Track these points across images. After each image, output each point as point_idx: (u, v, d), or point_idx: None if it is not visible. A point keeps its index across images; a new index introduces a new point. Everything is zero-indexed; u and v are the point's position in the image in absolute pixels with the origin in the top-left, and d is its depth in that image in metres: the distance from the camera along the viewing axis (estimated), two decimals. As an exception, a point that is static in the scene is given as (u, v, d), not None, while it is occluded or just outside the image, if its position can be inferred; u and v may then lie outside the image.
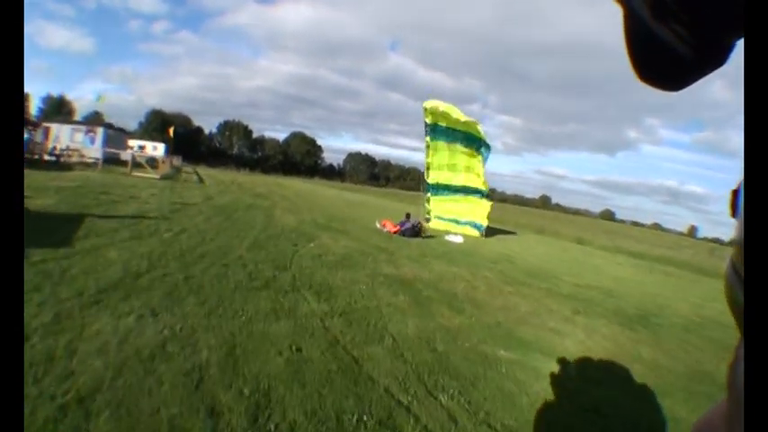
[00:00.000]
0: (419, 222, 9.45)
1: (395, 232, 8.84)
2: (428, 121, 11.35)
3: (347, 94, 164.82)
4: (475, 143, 11.33)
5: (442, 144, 11.63)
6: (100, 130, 23.07)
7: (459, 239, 9.87)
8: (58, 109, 49.05)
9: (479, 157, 11.41)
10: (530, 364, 2.95)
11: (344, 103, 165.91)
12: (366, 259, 5.62)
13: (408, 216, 9.60)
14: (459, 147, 11.54)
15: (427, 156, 11.81)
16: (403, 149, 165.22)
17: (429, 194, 12.34)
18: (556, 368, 2.96)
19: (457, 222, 11.96)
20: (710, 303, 7.99)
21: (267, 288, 3.59)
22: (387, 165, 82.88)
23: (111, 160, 17.81)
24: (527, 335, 3.61)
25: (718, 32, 0.37)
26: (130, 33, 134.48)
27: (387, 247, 6.99)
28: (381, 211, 15.13)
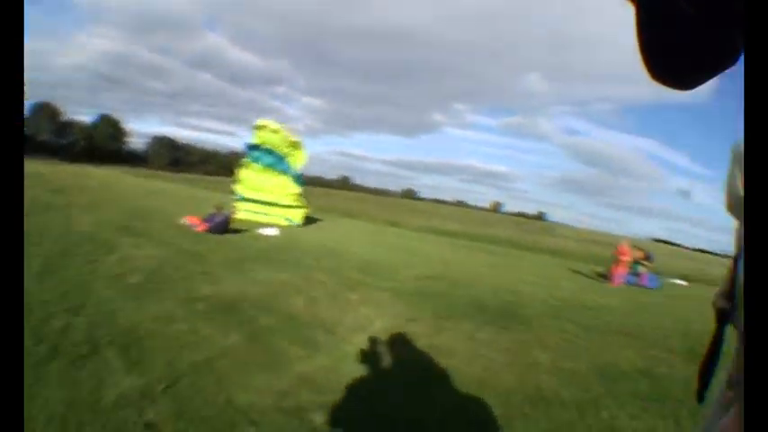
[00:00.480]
0: (228, 216, 8.69)
1: (204, 230, 8.00)
2: (255, 141, 11.85)
3: (158, 73, 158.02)
4: (290, 171, 12.14)
5: (257, 167, 12.01)
6: None
7: (273, 231, 9.43)
8: None
9: (292, 181, 12.15)
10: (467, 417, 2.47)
11: (154, 83, 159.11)
12: (177, 274, 4.73)
13: (218, 209, 8.73)
14: (275, 171, 12.08)
15: (240, 170, 12.06)
16: (207, 132, 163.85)
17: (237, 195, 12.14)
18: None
19: (270, 205, 11.81)
20: (547, 281, 8.59)
21: (55, 356, 2.38)
22: (189, 149, 79.16)
23: None
24: (418, 363, 3.13)
25: (730, 31, 0.37)
26: None
27: (198, 251, 6.18)
28: (186, 202, 14.24)
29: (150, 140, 75.98)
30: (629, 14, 0.41)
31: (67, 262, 4.54)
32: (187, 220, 8.51)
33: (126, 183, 22.37)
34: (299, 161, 12.34)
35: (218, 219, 8.34)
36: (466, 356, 3.43)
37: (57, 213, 7.80)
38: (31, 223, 5.98)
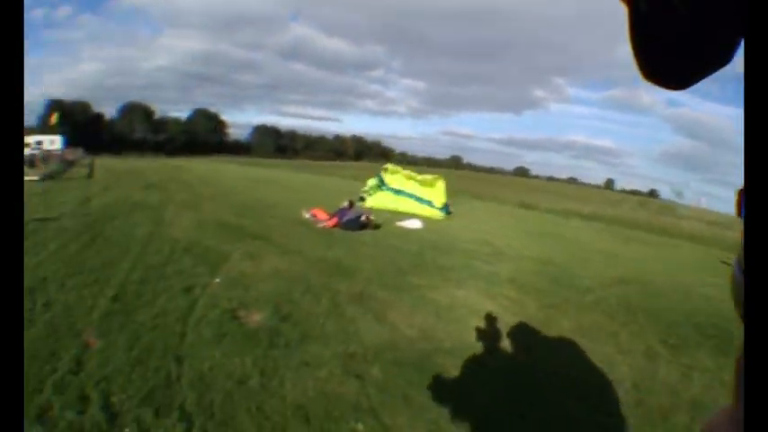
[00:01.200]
0: (367, 215, 7.33)
1: (333, 225, 6.86)
2: (384, 178, 11.11)
3: (249, 67, 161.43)
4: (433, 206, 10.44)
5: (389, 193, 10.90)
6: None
7: (416, 224, 8.07)
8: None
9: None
10: None
11: (247, 77, 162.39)
12: (318, 302, 3.31)
13: (351, 204, 7.71)
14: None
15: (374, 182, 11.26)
16: (308, 119, 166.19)
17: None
18: None
19: (413, 198, 10.22)
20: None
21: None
22: (293, 135, 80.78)
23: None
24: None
25: (723, 31, 0.37)
26: (33, 22, 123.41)
27: (338, 259, 4.85)
28: (301, 191, 13.13)
29: (252, 130, 77.02)
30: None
31: (152, 289, 3.23)
32: (312, 214, 7.52)
33: (230, 172, 20.47)
34: (437, 197, 10.48)
35: (353, 214, 7.18)
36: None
37: (147, 215, 6.71)
38: (107, 235, 5.08)
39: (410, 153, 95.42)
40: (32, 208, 6.36)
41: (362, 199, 10.64)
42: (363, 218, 7.12)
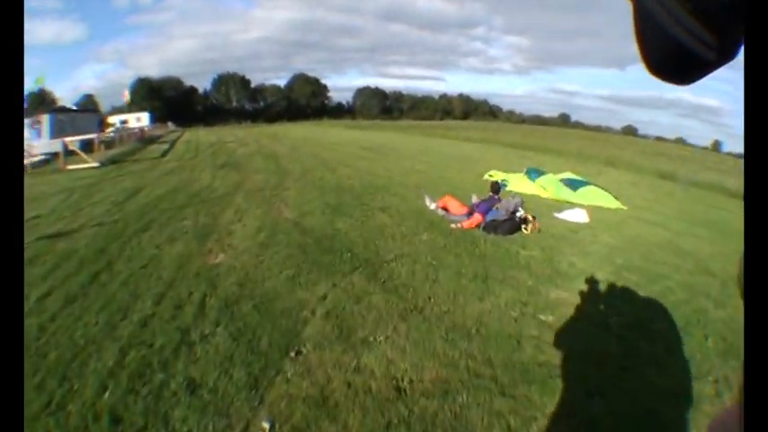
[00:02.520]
0: (519, 204, 5.11)
1: (475, 226, 4.84)
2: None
3: (348, 31, 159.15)
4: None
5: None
6: (45, 119, 17.13)
7: (580, 216, 5.84)
8: (40, 103, 38.72)
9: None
10: None
11: (347, 41, 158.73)
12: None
13: (497, 189, 5.55)
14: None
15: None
16: (412, 80, 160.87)
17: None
18: None
19: (570, 186, 7.44)
20: None
21: None
22: (398, 96, 78.49)
23: (72, 152, 11.17)
24: None
25: (727, 26, 0.37)
26: (118, 10, 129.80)
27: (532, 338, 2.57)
28: (416, 159, 10.69)
29: (354, 93, 75.08)
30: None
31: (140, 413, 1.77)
32: (442, 206, 5.47)
33: (331, 137, 17.50)
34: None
35: (502, 209, 4.99)
36: None
37: (195, 220, 4.92)
38: (135, 252, 3.80)
39: (518, 111, 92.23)
40: (57, 213, 5.20)
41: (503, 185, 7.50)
42: (520, 214, 4.94)
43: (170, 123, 29.85)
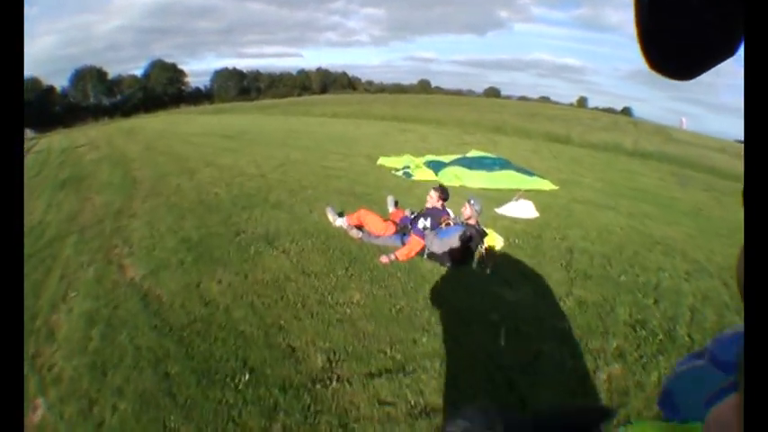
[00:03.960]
0: (475, 216, 3.76)
1: (414, 255, 3.47)
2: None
3: (206, 13, 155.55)
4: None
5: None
6: None
7: (527, 210, 4.86)
8: None
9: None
10: None
11: (204, 23, 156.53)
12: None
13: (445, 197, 3.93)
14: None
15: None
16: (270, 58, 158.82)
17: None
18: None
19: (486, 167, 6.53)
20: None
21: None
22: (256, 75, 76.31)
23: None
24: None
25: (729, 21, 0.37)
26: None
27: None
28: (289, 146, 9.13)
29: (212, 75, 72.08)
30: None
31: None
32: (355, 224, 3.92)
33: (188, 128, 15.10)
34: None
35: (450, 229, 3.52)
36: None
37: (28, 276, 3.41)
38: None
39: (377, 81, 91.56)
40: None
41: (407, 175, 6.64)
42: (474, 234, 3.49)
43: (28, 131, 25.27)
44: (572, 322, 2.74)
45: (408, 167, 6.91)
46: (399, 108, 22.31)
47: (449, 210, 3.89)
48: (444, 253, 3.38)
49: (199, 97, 62.30)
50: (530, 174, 6.86)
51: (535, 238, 4.22)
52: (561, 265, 3.63)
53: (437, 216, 3.72)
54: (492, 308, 2.85)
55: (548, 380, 2.22)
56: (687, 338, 2.73)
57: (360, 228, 3.90)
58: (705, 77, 0.41)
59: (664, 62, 0.43)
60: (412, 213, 4.02)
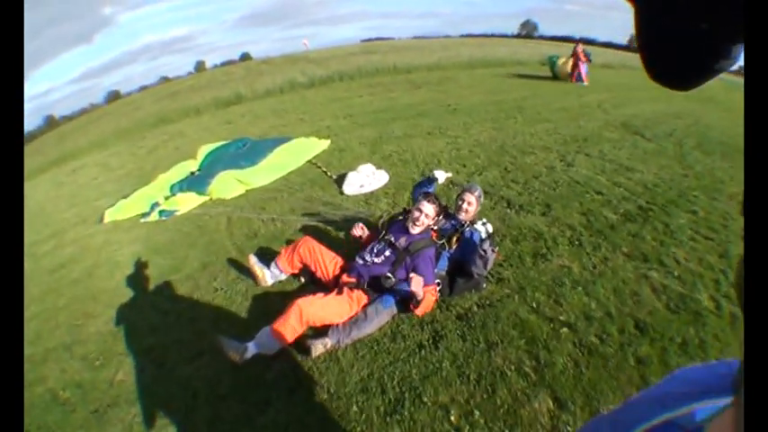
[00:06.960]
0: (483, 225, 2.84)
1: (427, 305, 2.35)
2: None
3: None
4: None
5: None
6: None
7: (377, 175, 4.61)
8: None
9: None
10: None
11: None
12: None
13: (443, 208, 2.73)
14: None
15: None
16: None
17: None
18: None
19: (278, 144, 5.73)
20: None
21: None
22: None
23: None
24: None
25: (730, 31, 0.37)
26: None
27: None
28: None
29: None
30: None
31: None
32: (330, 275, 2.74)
33: None
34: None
35: (486, 250, 2.53)
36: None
37: None
38: None
39: None
40: None
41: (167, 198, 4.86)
42: (489, 247, 2.54)
43: None
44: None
45: (158, 203, 4.77)
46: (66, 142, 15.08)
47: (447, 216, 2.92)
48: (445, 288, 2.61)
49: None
50: (288, 139, 5.91)
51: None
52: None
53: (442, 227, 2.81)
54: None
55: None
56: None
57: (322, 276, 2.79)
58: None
59: (663, 75, 0.43)
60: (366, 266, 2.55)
